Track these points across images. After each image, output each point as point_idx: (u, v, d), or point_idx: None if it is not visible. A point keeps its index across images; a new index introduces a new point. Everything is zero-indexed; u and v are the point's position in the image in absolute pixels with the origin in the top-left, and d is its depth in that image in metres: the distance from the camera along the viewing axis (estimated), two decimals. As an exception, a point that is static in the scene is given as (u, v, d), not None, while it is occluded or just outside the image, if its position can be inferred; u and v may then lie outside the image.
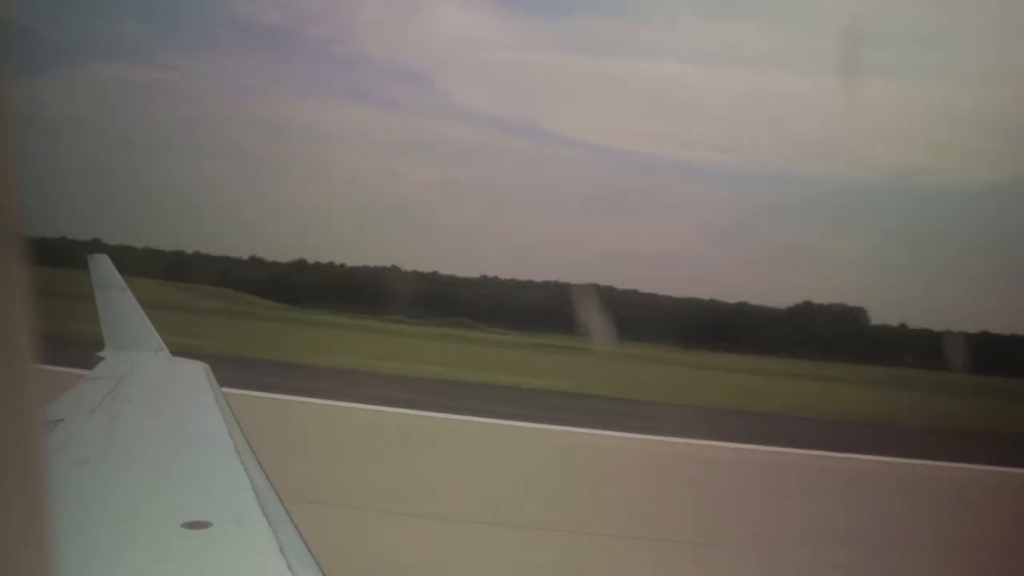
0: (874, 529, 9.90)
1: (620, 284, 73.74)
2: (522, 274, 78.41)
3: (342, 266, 74.25)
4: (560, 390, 24.59)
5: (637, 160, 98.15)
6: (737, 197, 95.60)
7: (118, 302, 5.26)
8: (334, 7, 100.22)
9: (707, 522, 9.48)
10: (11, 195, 0.72)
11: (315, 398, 15.65)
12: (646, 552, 8.06)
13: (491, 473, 11.26)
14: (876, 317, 71.14)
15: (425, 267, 77.13)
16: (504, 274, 77.62)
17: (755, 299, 77.04)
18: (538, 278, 76.86)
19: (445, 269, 77.60)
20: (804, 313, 72.23)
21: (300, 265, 73.67)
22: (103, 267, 5.66)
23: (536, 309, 68.78)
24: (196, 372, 3.83)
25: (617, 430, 16.24)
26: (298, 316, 52.62)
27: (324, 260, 75.17)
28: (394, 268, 74.92)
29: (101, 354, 4.35)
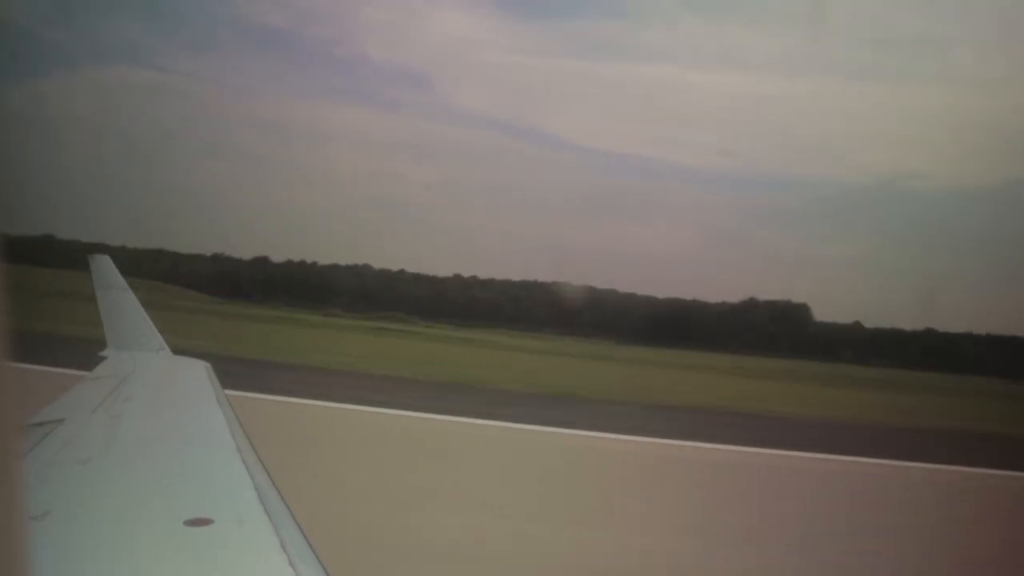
0: (792, 527, 10.03)
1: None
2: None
3: (311, 264, 74.72)
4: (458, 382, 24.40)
5: (636, 163, 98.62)
6: (736, 200, 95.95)
7: (119, 302, 5.28)
8: (335, 9, 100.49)
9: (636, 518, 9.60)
10: None
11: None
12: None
13: (462, 472, 11.30)
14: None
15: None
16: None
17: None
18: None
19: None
20: (749, 309, 71.98)
21: (263, 262, 74.38)
22: (104, 267, 5.68)
23: (487, 305, 69.61)
24: (197, 371, 3.83)
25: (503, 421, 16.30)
26: (227, 310, 52.52)
27: (317, 259, 75.91)
28: (366, 266, 75.79)
29: (103, 354, 4.36)
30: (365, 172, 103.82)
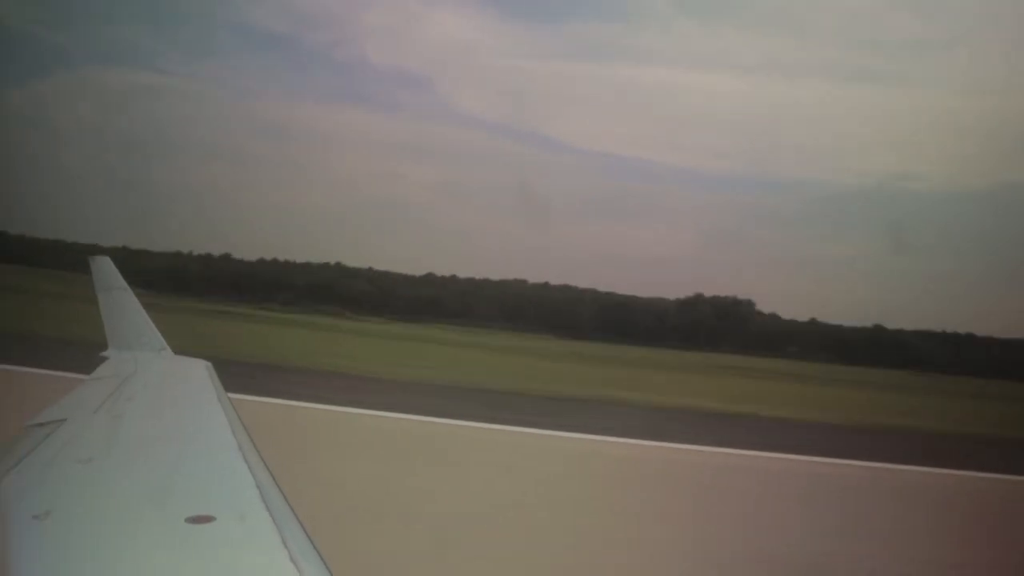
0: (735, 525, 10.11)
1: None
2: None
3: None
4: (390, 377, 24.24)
5: (635, 165, 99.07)
6: (734, 202, 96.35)
7: (120, 302, 5.28)
8: (335, 12, 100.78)
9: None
10: None
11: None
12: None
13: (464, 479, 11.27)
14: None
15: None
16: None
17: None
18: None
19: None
20: (693, 305, 73.30)
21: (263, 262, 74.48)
22: (105, 268, 5.68)
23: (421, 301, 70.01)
24: (198, 370, 3.83)
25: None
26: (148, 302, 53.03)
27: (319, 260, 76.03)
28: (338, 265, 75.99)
29: (104, 354, 4.36)
30: (365, 173, 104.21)
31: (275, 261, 75.24)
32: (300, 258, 76.25)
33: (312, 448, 11.61)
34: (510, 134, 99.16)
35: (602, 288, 75.22)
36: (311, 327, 46.35)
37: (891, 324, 70.10)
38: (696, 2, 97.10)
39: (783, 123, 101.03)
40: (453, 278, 77.73)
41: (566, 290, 76.78)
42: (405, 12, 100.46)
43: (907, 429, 23.33)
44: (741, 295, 73.95)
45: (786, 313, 74.69)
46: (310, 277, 72.33)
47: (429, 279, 77.58)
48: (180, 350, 4.48)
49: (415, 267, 79.42)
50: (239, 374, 15.50)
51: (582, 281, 77.67)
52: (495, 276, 78.32)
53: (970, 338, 68.42)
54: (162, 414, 3.11)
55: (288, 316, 54.96)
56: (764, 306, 74.27)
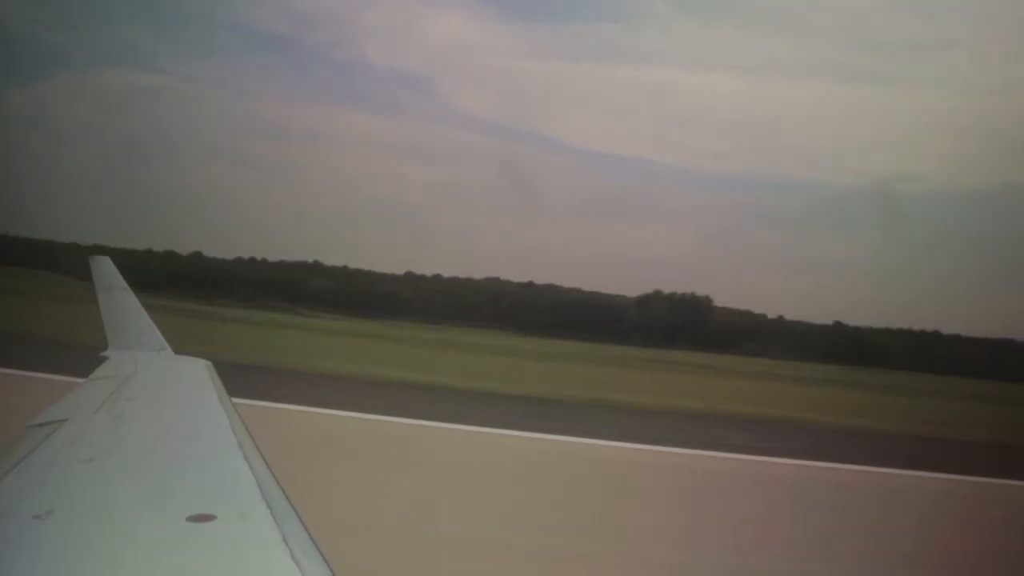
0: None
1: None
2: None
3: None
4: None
5: (635, 165, 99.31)
6: (733, 203, 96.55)
7: (120, 302, 5.27)
8: (335, 12, 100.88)
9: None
10: None
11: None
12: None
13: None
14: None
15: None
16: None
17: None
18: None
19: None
20: (651, 301, 73.39)
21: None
22: (105, 268, 5.68)
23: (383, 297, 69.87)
24: (198, 370, 3.84)
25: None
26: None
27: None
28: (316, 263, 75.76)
29: (105, 354, 4.36)
30: (365, 173, 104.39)
31: (252, 260, 74.86)
32: (273, 257, 76.04)
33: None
34: (510, 134, 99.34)
35: (587, 287, 75.32)
36: (268, 324, 46.32)
37: (862, 322, 70.21)
38: (696, 2, 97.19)
39: (783, 123, 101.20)
40: (392, 275, 77.20)
41: (529, 287, 76.74)
42: (405, 12, 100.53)
43: (859, 429, 23.43)
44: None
45: (771, 312, 74.77)
46: (268, 274, 71.70)
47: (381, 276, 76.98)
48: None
49: (398, 267, 79.40)
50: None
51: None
52: (478, 275, 78.20)
53: (936, 336, 68.75)
54: (162, 414, 3.11)
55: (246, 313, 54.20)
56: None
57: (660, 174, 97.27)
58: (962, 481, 15.15)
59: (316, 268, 75.41)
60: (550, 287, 76.57)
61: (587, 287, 75.40)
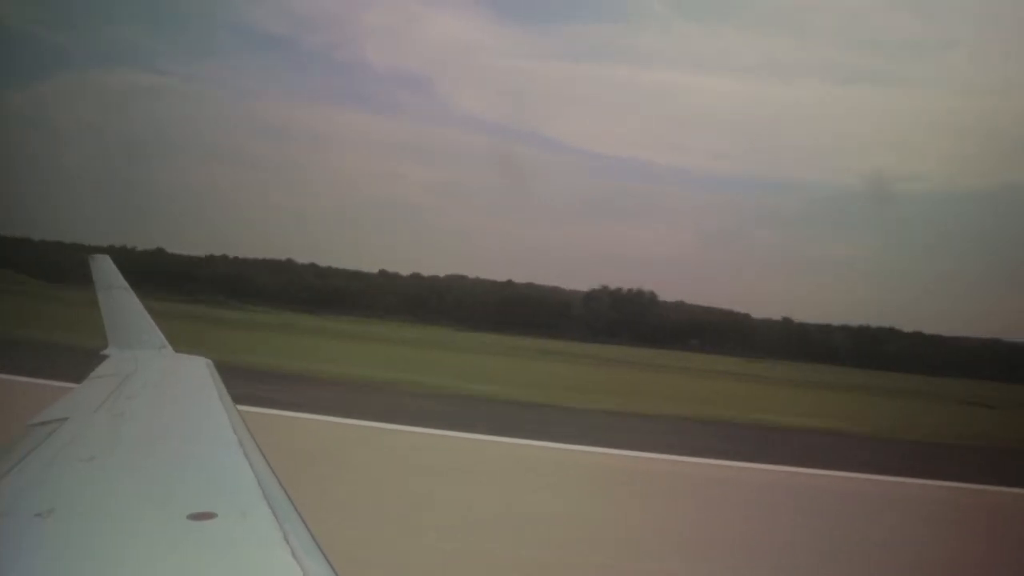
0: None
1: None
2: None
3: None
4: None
5: (634, 166, 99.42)
6: (733, 203, 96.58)
7: (120, 301, 5.26)
8: (335, 13, 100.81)
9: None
10: None
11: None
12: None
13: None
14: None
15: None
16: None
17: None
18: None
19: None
20: (597, 297, 74.34)
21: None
22: (104, 267, 5.66)
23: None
24: (199, 368, 3.83)
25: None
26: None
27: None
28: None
29: (105, 352, 4.36)
30: (366, 174, 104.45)
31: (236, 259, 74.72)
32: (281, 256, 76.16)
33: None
34: (510, 134, 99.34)
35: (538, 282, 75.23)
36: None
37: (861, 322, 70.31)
38: (696, 3, 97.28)
39: (783, 123, 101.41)
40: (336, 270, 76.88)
41: (481, 283, 77.04)
42: (405, 13, 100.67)
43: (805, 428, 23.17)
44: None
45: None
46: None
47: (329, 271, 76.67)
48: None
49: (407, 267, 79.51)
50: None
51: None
52: (470, 274, 78.25)
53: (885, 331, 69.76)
54: (163, 412, 3.10)
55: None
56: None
57: (660, 174, 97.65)
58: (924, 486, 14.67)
59: (313, 269, 75.60)
60: (479, 281, 76.24)
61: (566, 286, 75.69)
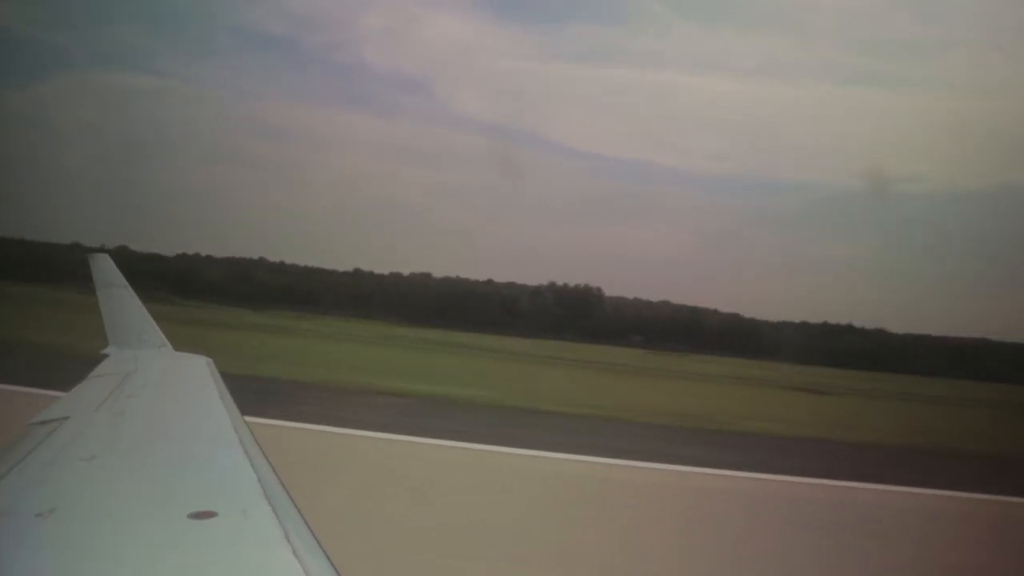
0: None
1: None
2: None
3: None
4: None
5: (634, 167, 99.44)
6: (732, 204, 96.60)
7: (120, 300, 5.25)
8: (334, 14, 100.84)
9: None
10: None
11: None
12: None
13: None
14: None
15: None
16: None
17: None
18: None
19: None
20: (545, 294, 74.34)
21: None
22: (104, 266, 5.65)
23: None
24: (199, 367, 3.82)
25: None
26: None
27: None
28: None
29: (105, 351, 4.35)
30: (365, 175, 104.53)
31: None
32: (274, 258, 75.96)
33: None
34: (509, 135, 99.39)
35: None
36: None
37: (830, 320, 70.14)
38: (696, 3, 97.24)
39: (783, 124, 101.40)
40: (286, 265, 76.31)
41: (424, 277, 76.71)
42: (404, 14, 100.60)
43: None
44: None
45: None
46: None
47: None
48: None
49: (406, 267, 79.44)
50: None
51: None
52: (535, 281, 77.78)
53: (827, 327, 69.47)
54: (164, 411, 3.09)
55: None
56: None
57: (660, 175, 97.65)
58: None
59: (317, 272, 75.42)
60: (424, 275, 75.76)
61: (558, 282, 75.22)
